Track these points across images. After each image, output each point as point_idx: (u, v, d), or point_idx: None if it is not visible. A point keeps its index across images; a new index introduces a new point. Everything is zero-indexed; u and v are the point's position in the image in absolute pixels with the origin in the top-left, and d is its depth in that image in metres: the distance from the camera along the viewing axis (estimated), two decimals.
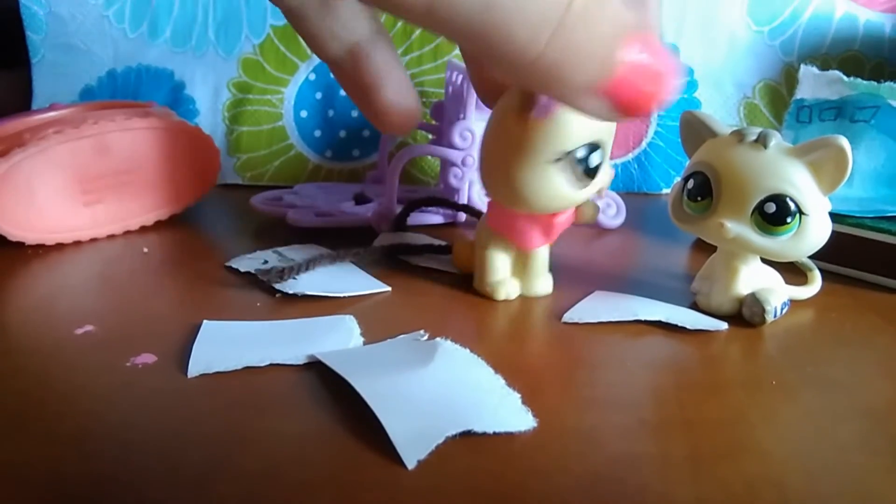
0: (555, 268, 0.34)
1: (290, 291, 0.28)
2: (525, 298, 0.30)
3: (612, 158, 0.51)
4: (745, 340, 0.26)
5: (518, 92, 0.25)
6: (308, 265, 0.30)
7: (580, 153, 0.25)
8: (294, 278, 0.29)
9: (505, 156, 0.26)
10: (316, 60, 0.49)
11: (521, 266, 0.30)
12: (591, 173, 0.26)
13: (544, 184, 0.26)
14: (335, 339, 0.25)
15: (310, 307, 0.28)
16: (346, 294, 0.29)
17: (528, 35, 0.17)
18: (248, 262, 0.32)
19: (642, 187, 0.51)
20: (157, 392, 0.21)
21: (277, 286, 0.29)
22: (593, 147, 0.26)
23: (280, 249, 0.34)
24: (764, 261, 0.28)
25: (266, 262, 0.30)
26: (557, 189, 0.26)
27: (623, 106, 0.20)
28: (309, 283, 0.29)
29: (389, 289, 0.30)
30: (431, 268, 0.32)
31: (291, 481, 0.17)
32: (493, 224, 0.29)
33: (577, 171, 0.26)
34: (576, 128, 0.25)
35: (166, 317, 0.27)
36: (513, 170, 0.25)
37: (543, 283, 0.30)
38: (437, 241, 0.34)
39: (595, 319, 0.27)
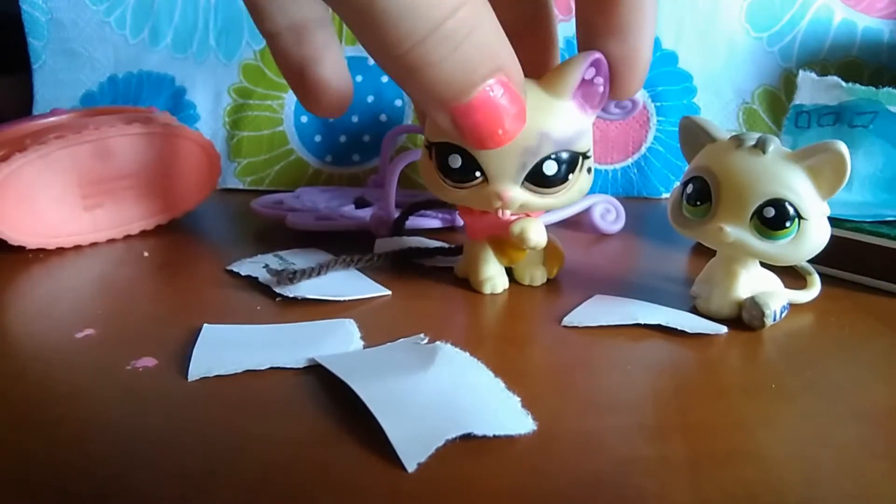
0: None
1: (291, 295, 0.28)
2: (525, 301, 0.30)
3: (612, 163, 0.51)
4: (744, 344, 0.26)
5: None
6: (320, 270, 0.30)
7: (440, 147, 0.26)
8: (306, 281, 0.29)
9: None
10: None
11: None
12: (451, 175, 0.26)
13: (424, 166, 0.28)
14: (335, 343, 0.25)
15: (310, 311, 0.28)
16: (347, 298, 0.29)
17: (400, 32, 0.18)
18: (248, 266, 0.32)
19: (642, 192, 0.51)
20: (158, 396, 0.21)
21: (279, 290, 0.29)
22: (453, 149, 0.25)
23: (281, 253, 0.34)
24: (763, 265, 0.28)
25: (267, 265, 0.30)
26: (432, 177, 0.27)
27: (466, 131, 0.21)
28: (309, 286, 0.29)
29: (390, 292, 0.30)
30: (432, 271, 0.33)
31: (291, 484, 0.17)
32: None
33: (436, 162, 0.26)
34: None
35: (167, 320, 0.27)
36: None
37: (476, 276, 0.30)
38: (447, 244, 0.34)
39: (595, 323, 0.27)
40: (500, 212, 0.27)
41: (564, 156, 0.26)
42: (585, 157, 0.27)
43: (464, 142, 0.23)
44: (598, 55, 0.25)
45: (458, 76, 0.19)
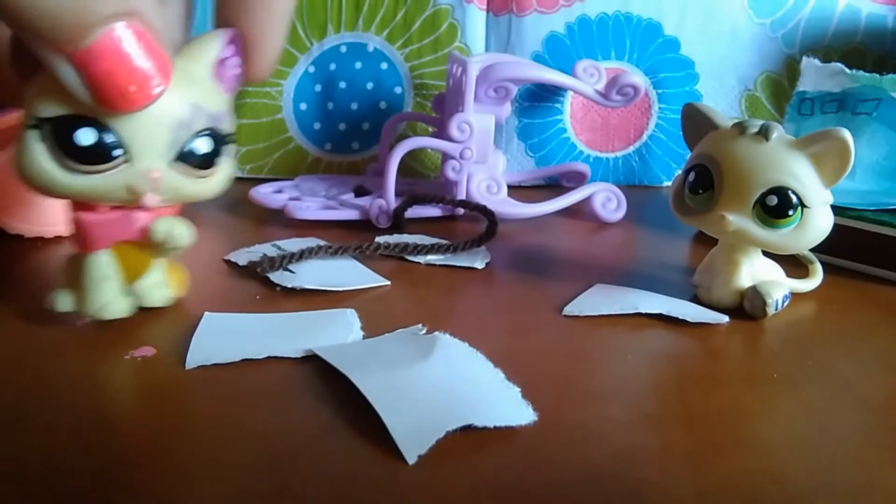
0: (556, 261, 0.34)
1: (290, 286, 0.28)
2: (525, 290, 0.29)
3: (613, 151, 0.51)
4: (746, 333, 0.26)
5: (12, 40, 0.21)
6: (301, 255, 0.29)
7: (61, 122, 0.21)
8: (289, 269, 0.29)
9: None
10: (315, 53, 0.49)
11: None
12: (77, 155, 0.21)
13: (23, 150, 0.22)
14: (335, 333, 0.24)
15: (310, 300, 0.27)
16: (346, 288, 0.29)
17: None
18: (247, 255, 0.32)
19: (643, 180, 0.51)
20: (157, 385, 0.21)
21: (276, 280, 0.29)
22: (83, 121, 0.21)
23: (279, 242, 0.34)
24: (765, 253, 0.28)
25: (265, 255, 0.30)
26: (37, 161, 0.21)
27: (91, 84, 0.19)
28: (308, 276, 0.29)
29: (389, 283, 0.30)
30: (432, 264, 0.32)
31: (289, 475, 0.17)
32: None
33: (53, 143, 0.21)
34: (57, 92, 0.20)
35: (166, 309, 0.27)
36: None
37: (93, 301, 0.24)
38: (442, 241, 0.34)
39: (596, 312, 0.27)
40: (145, 199, 0.23)
41: (217, 134, 0.23)
42: (227, 141, 0.24)
43: (96, 104, 0.20)
44: (236, 33, 0.24)
45: (65, 11, 0.17)
